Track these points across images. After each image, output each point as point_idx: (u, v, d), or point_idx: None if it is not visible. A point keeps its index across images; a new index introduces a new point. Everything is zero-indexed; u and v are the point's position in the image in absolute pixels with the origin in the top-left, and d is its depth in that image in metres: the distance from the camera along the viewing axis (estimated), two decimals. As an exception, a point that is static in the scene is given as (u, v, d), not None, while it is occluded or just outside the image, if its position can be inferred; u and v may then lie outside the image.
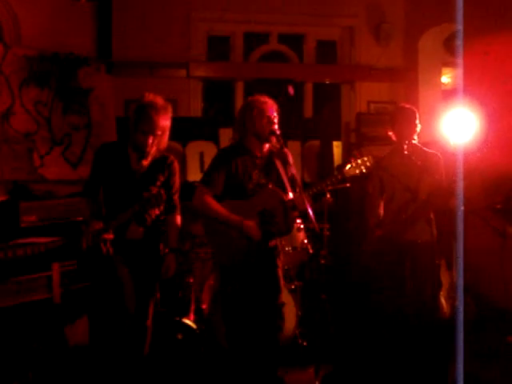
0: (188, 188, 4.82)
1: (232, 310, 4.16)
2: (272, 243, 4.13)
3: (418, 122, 4.71)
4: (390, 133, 4.82)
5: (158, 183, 4.04)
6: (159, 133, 3.89)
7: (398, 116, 4.79)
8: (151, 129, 3.84)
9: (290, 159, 4.15)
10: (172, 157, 4.17)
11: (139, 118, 3.86)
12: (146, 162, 4.02)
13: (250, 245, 4.02)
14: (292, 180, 4.12)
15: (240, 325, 4.13)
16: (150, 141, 3.87)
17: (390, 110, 7.91)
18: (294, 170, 4.17)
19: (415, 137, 4.74)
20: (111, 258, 3.89)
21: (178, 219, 4.16)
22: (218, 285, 4.74)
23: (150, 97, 3.92)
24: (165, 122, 3.90)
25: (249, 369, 4.16)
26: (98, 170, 4.05)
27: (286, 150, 4.14)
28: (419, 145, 4.77)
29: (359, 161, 4.02)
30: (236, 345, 4.18)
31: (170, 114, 3.96)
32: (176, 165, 4.18)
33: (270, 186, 4.07)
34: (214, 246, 4.22)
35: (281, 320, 4.26)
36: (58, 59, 6.53)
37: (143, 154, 3.97)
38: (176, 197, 4.16)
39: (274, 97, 4.24)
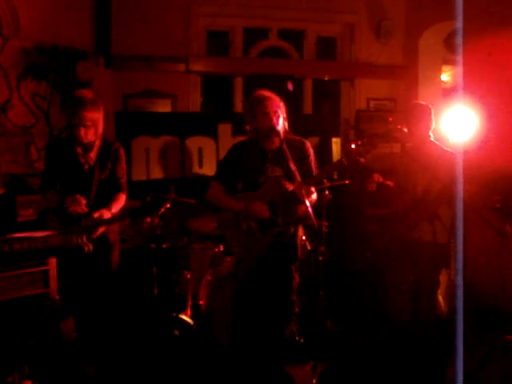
0: (187, 183, 4.84)
1: (244, 304, 4.22)
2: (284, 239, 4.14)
3: (432, 119, 4.69)
4: (405, 129, 4.79)
5: (107, 171, 4.35)
6: (89, 123, 4.14)
7: (412, 113, 4.76)
8: (80, 121, 4.10)
9: (307, 151, 4.22)
10: (117, 144, 4.49)
11: (69, 114, 4.17)
12: (92, 154, 4.31)
13: (258, 237, 4.04)
14: (305, 171, 4.11)
15: (249, 318, 4.17)
16: (82, 132, 4.13)
17: (389, 108, 7.94)
18: (310, 162, 4.21)
19: (431, 134, 4.72)
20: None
21: (123, 197, 4.43)
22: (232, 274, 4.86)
23: (78, 93, 4.27)
24: (93, 115, 4.16)
25: (251, 364, 4.18)
26: (50, 168, 4.31)
27: (302, 141, 4.25)
28: (436, 142, 4.74)
29: (361, 147, 4.00)
30: (242, 338, 4.21)
31: (99, 106, 4.26)
32: (122, 151, 4.47)
33: (275, 177, 4.09)
34: (229, 239, 4.34)
35: (291, 318, 4.31)
36: (56, 52, 6.50)
37: (85, 147, 4.25)
38: (123, 181, 4.44)
39: (274, 92, 4.24)
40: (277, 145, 4.14)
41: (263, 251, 4.06)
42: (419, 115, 4.72)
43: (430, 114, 4.71)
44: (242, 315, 4.22)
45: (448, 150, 4.68)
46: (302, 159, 4.15)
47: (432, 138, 4.74)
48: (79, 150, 4.28)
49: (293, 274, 4.21)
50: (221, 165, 4.34)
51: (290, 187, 4.01)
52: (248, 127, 4.27)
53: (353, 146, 4.00)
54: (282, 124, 4.11)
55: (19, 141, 6.32)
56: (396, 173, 4.90)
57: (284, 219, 4.06)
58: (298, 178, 3.97)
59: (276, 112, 4.08)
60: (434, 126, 4.73)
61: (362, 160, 4.01)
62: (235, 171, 4.21)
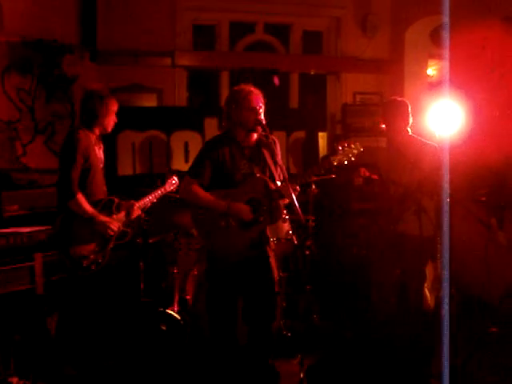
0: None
1: (217, 300, 4.17)
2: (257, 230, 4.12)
3: (409, 114, 4.71)
4: (383, 125, 4.81)
5: None
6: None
7: (389, 109, 4.79)
8: (116, 108, 4.34)
9: (278, 148, 4.16)
10: None
11: (108, 102, 4.26)
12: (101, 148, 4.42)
13: (238, 234, 4.02)
14: (280, 169, 4.09)
15: (224, 314, 4.15)
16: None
17: (375, 102, 7.96)
18: (279, 159, 4.16)
19: (408, 129, 4.74)
20: None
21: None
22: (203, 273, 4.81)
23: (99, 86, 4.38)
24: None
25: (238, 359, 4.17)
26: (79, 163, 4.16)
27: (273, 138, 4.16)
28: (415, 136, 4.76)
29: (346, 149, 4.00)
30: (218, 334, 4.19)
31: None
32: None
33: (258, 175, 4.06)
34: (203, 236, 4.20)
35: (275, 310, 4.30)
36: (41, 46, 6.46)
37: (99, 140, 4.38)
38: None
39: (260, 87, 4.22)
40: (253, 141, 4.12)
41: (244, 248, 4.04)
42: (395, 111, 4.75)
43: (407, 109, 4.74)
44: (216, 314, 4.20)
45: (428, 142, 4.72)
46: (274, 155, 4.12)
47: (410, 133, 4.77)
48: (97, 143, 4.34)
49: (272, 267, 4.18)
50: (197, 160, 4.19)
51: (273, 186, 4.01)
52: (226, 121, 4.20)
53: (340, 148, 3.99)
54: (263, 118, 4.09)
55: (4, 136, 6.28)
56: (380, 167, 4.92)
57: (266, 217, 4.05)
58: (282, 175, 3.96)
59: (261, 107, 4.06)
60: (411, 120, 4.75)
61: (348, 163, 4.00)
62: (212, 167, 4.08)
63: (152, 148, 6.94)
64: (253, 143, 4.12)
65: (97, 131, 4.30)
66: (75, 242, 4.09)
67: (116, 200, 4.34)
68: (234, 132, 4.12)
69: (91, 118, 4.24)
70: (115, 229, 4.25)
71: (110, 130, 4.38)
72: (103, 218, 4.19)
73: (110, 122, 4.33)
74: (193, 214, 4.17)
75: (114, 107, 4.32)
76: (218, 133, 4.32)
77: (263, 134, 4.05)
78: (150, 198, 4.53)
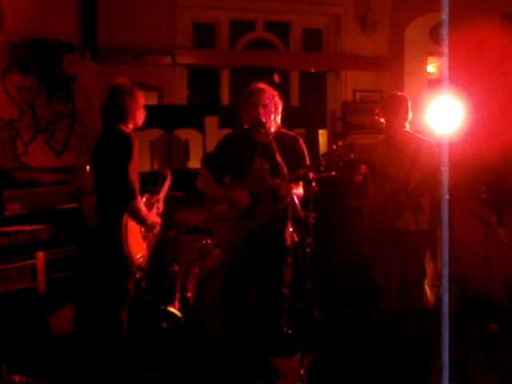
0: (174, 176, 4.84)
1: (229, 292, 4.25)
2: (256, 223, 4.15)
3: (409, 109, 4.73)
4: (382, 119, 4.82)
5: None
6: None
7: (390, 103, 4.80)
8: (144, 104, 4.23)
9: (298, 146, 4.24)
10: None
11: (136, 98, 4.10)
12: None
13: (238, 228, 4.05)
14: (295, 167, 4.10)
15: (234, 307, 4.21)
16: None
17: (375, 99, 7.96)
18: (301, 159, 4.21)
19: (407, 124, 4.76)
20: None
21: None
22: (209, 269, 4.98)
23: (123, 80, 4.16)
24: None
25: (239, 356, 4.19)
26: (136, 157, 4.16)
27: (293, 136, 4.30)
28: (412, 132, 4.78)
29: (342, 150, 4.00)
30: (229, 333, 4.22)
31: None
32: None
33: (258, 171, 4.09)
34: (215, 231, 4.37)
35: (282, 312, 4.33)
36: (41, 45, 6.46)
37: None
38: None
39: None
40: (266, 137, 4.13)
41: (239, 241, 4.08)
42: (396, 106, 4.76)
43: (407, 104, 4.75)
44: (228, 312, 4.23)
45: (426, 139, 4.73)
46: (292, 155, 4.13)
47: (408, 129, 4.78)
48: None
49: (283, 270, 4.21)
50: (211, 154, 4.38)
51: (270, 181, 4.02)
52: (241, 119, 4.25)
53: (334, 147, 4.01)
54: (272, 117, 4.10)
55: (5, 135, 6.28)
56: (376, 161, 4.93)
57: (262, 212, 4.07)
58: (284, 171, 3.95)
59: (266, 105, 4.07)
60: (410, 116, 4.77)
61: (341, 163, 4.01)
62: (225, 161, 4.22)
63: (153, 146, 6.95)
64: (266, 139, 4.08)
65: (130, 126, 4.14)
66: (133, 243, 3.98)
67: (148, 196, 4.35)
68: (248, 128, 4.20)
69: (123, 113, 4.05)
70: (160, 224, 4.33)
71: (141, 123, 4.22)
72: (153, 217, 4.20)
73: (141, 115, 4.17)
74: (205, 205, 4.37)
75: (143, 100, 4.18)
76: (218, 131, 4.42)
77: (263, 131, 4.05)
78: (165, 190, 4.63)
